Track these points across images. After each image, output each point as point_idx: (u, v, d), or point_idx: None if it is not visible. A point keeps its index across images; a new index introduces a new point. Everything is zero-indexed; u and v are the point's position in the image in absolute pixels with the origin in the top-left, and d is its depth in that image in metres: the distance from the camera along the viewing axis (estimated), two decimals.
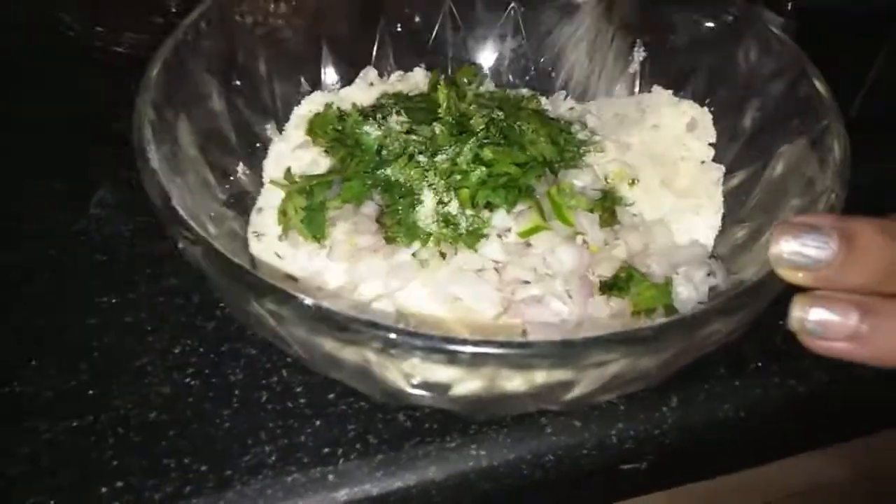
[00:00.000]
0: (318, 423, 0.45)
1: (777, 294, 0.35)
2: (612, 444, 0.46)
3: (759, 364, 0.49)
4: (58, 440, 0.44)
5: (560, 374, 0.31)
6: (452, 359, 0.29)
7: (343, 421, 0.45)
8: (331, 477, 0.43)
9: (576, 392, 0.33)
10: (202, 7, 0.47)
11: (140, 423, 0.44)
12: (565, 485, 0.56)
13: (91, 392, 0.46)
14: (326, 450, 0.43)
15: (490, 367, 0.29)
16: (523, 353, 0.29)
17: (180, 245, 0.34)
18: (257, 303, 0.31)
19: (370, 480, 0.43)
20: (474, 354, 0.29)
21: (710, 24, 0.51)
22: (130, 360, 0.47)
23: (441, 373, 0.32)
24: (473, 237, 0.41)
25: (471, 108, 0.47)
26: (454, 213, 0.41)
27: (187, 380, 0.46)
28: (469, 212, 0.41)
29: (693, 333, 0.31)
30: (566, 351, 0.29)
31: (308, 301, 0.30)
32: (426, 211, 0.41)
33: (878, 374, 0.50)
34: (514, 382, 0.32)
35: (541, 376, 0.31)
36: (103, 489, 0.42)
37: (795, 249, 0.30)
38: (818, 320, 0.30)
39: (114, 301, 0.51)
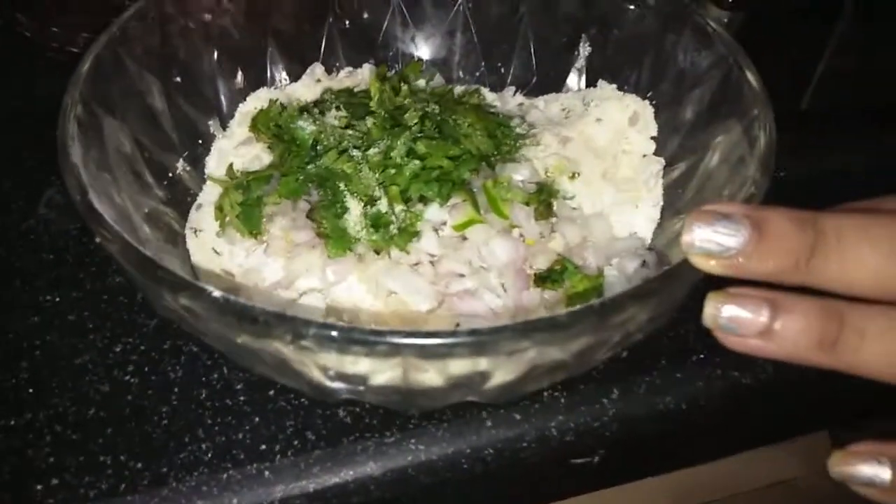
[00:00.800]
0: (256, 419, 0.45)
1: (695, 281, 0.36)
2: (552, 437, 0.46)
3: (703, 356, 0.49)
4: None
5: (473, 364, 0.31)
6: (350, 348, 0.29)
7: (282, 417, 0.45)
8: (266, 473, 0.43)
9: (494, 381, 0.33)
10: (139, 3, 0.46)
11: (78, 420, 0.44)
12: (518, 480, 0.56)
13: (30, 390, 0.46)
14: (263, 447, 0.43)
15: (393, 356, 0.29)
16: (430, 342, 0.29)
17: (97, 240, 0.34)
18: (170, 298, 0.31)
19: (306, 476, 0.43)
20: (372, 343, 0.29)
21: (650, 19, 0.51)
22: (71, 358, 0.47)
23: (355, 365, 0.32)
24: (405, 237, 0.41)
25: (406, 102, 0.47)
26: (384, 211, 0.41)
27: (127, 377, 0.46)
28: (399, 207, 0.41)
29: (605, 320, 0.31)
30: (472, 339, 0.29)
31: (216, 294, 0.30)
32: (354, 217, 0.41)
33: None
34: (428, 374, 0.32)
35: (456, 367, 0.31)
36: (38, 486, 0.42)
37: (707, 237, 0.30)
38: (730, 316, 0.30)
39: (58, 300, 0.50)
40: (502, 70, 0.59)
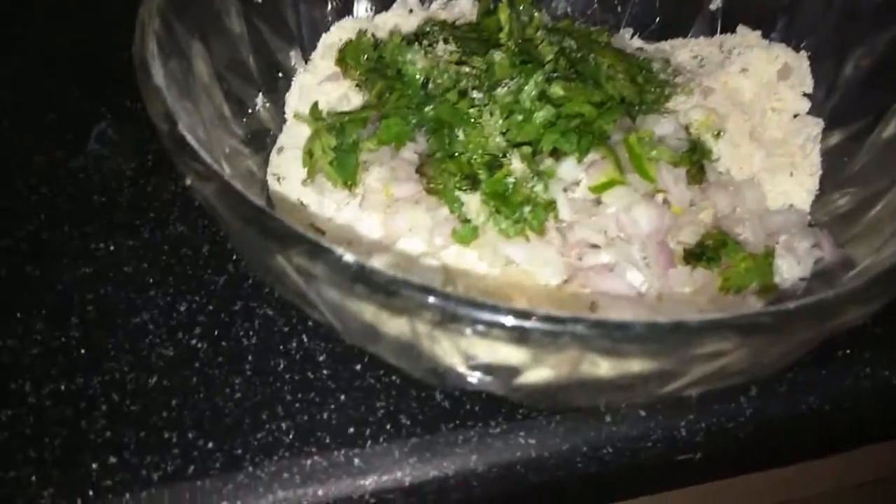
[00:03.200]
0: (342, 398, 0.39)
1: None
2: (679, 438, 0.40)
3: (849, 351, 0.43)
4: (43, 405, 0.38)
5: (661, 364, 0.25)
6: (527, 338, 0.23)
7: (371, 397, 0.39)
8: (356, 461, 0.37)
9: (676, 384, 0.26)
10: None
11: (137, 389, 0.39)
12: (613, 476, 0.50)
13: (82, 351, 0.41)
14: (352, 430, 0.38)
15: (575, 349, 0.23)
16: (621, 335, 0.22)
17: (188, 181, 0.27)
18: (282, 256, 0.25)
19: (402, 467, 0.37)
20: (557, 333, 0.22)
21: None
22: (128, 316, 0.42)
23: (509, 354, 0.25)
24: (538, 214, 0.34)
25: (537, 34, 0.39)
26: (512, 179, 0.34)
27: (193, 342, 0.41)
28: (531, 172, 0.34)
29: (827, 321, 0.24)
30: (677, 337, 0.22)
31: (348, 257, 0.23)
32: (473, 205, 0.35)
33: None
34: (602, 369, 0.25)
35: (636, 365, 0.25)
36: (93, 465, 0.37)
37: None
38: None
39: (112, 249, 0.45)
40: (619, 8, 0.51)
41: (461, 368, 0.27)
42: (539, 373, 0.26)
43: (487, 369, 0.27)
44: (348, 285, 0.24)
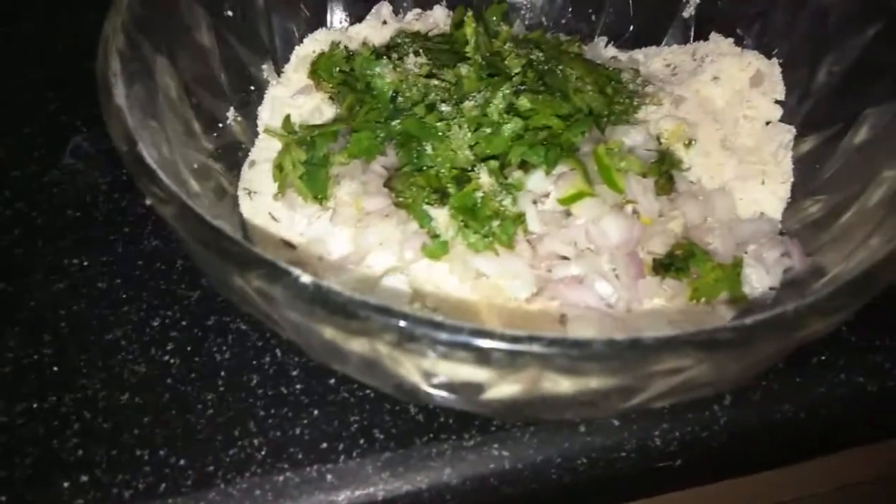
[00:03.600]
0: (315, 413, 0.39)
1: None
2: (654, 447, 0.40)
3: (823, 358, 0.43)
4: (15, 423, 0.38)
5: (621, 379, 0.25)
6: (486, 358, 0.22)
7: (345, 411, 0.39)
8: (329, 477, 0.37)
9: (636, 400, 0.26)
10: None
11: (109, 406, 0.39)
12: (590, 485, 0.50)
13: (55, 368, 0.40)
14: (324, 445, 0.38)
15: (534, 368, 0.23)
16: (578, 353, 0.22)
17: (148, 201, 0.27)
18: (241, 278, 0.25)
19: (375, 482, 0.37)
20: (514, 353, 0.22)
21: None
22: (101, 332, 0.42)
23: (470, 372, 0.25)
24: (507, 227, 0.34)
25: (504, 47, 0.39)
26: (480, 191, 0.34)
27: (166, 357, 0.41)
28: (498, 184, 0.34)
29: (790, 334, 0.24)
30: (634, 354, 0.22)
31: (305, 279, 0.23)
32: (442, 219, 0.35)
33: None
34: (562, 386, 0.25)
35: (596, 381, 0.25)
36: (65, 484, 0.36)
37: None
38: None
39: (85, 264, 0.45)
40: (593, 17, 0.51)
41: (424, 387, 0.27)
42: (501, 390, 0.26)
43: (450, 387, 0.27)
44: (306, 308, 0.24)
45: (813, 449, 0.58)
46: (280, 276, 0.24)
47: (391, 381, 0.28)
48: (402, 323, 0.23)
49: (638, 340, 0.22)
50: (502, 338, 0.22)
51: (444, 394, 0.27)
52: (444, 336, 0.22)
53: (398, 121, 0.36)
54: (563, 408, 0.29)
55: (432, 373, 0.26)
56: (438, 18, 0.49)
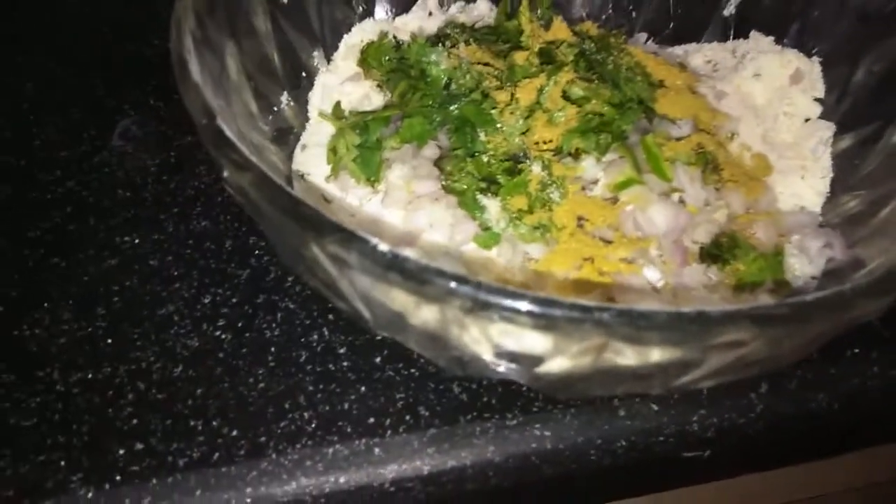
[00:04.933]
0: (362, 389, 0.40)
1: None
2: (692, 432, 0.41)
3: (857, 351, 0.43)
4: (71, 393, 0.39)
5: (681, 353, 0.26)
6: (554, 325, 0.23)
7: (391, 388, 0.40)
8: (377, 451, 0.38)
9: (691, 376, 0.27)
10: None
11: (163, 378, 0.40)
12: (624, 472, 0.51)
13: (108, 341, 0.41)
14: (372, 420, 0.39)
15: (599, 337, 0.24)
16: (646, 323, 0.23)
17: (225, 173, 0.28)
18: (316, 245, 0.26)
19: (421, 457, 0.38)
20: (584, 320, 0.23)
21: None
22: (154, 307, 0.43)
23: (532, 342, 0.26)
24: (555, 223, 0.35)
25: (557, 37, 0.40)
26: (536, 184, 0.35)
27: (218, 333, 0.42)
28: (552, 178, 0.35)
29: (842, 314, 0.25)
30: (698, 326, 0.23)
31: (382, 246, 0.24)
32: (494, 211, 0.36)
33: None
34: (624, 359, 0.26)
35: (656, 354, 0.26)
36: (120, 451, 0.37)
37: None
38: None
39: (137, 242, 0.46)
40: (633, 13, 0.52)
41: (487, 356, 0.28)
42: (561, 361, 0.27)
43: (512, 357, 0.28)
44: (381, 273, 0.25)
45: (846, 443, 0.59)
46: (357, 242, 0.25)
47: (452, 352, 0.29)
48: (476, 290, 0.24)
49: (703, 312, 0.23)
50: (572, 307, 0.23)
51: (505, 363, 0.28)
52: (517, 304, 0.23)
53: (455, 106, 0.38)
54: (617, 382, 0.30)
55: (498, 342, 0.27)
56: (482, 10, 0.50)
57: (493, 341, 0.27)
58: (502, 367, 0.29)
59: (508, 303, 0.23)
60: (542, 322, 0.23)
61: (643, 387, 0.31)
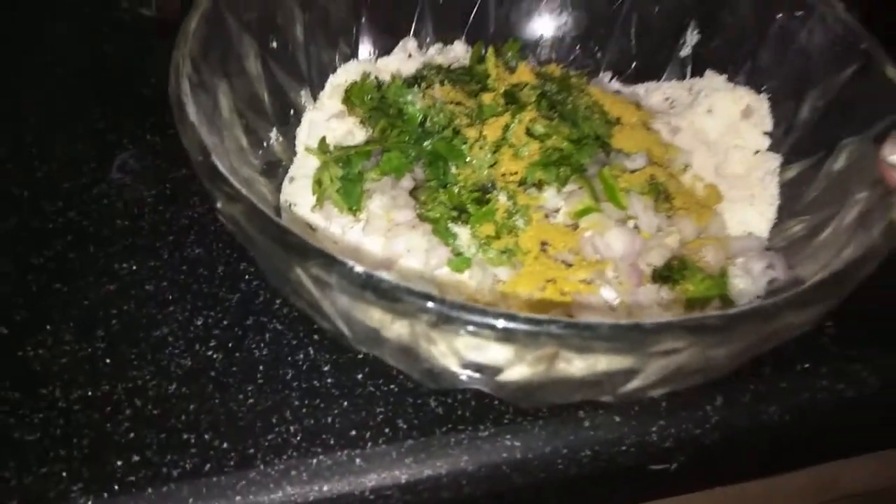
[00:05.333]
0: (345, 404, 0.43)
1: (852, 289, 0.33)
2: (651, 442, 0.44)
3: (807, 366, 0.47)
4: (72, 409, 0.42)
5: (624, 362, 0.29)
6: (514, 336, 0.27)
7: (371, 403, 0.43)
8: (358, 461, 0.41)
9: (636, 383, 0.30)
10: None
11: (158, 395, 0.42)
12: (594, 483, 0.54)
13: (107, 361, 0.44)
14: (353, 432, 0.41)
15: (552, 347, 0.27)
16: (590, 334, 0.27)
17: (218, 204, 0.32)
18: (301, 268, 0.29)
19: (399, 466, 0.41)
20: (538, 333, 0.27)
21: (768, 6, 0.48)
22: (150, 329, 0.45)
23: (494, 353, 0.29)
24: (520, 248, 0.38)
25: (521, 80, 0.44)
26: (501, 210, 0.39)
27: (209, 353, 0.44)
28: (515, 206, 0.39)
29: (768, 324, 0.28)
30: (636, 335, 0.27)
31: (358, 268, 0.28)
32: (465, 238, 0.39)
33: None
34: (574, 367, 0.29)
35: (603, 363, 0.29)
36: (118, 462, 0.40)
37: None
38: None
39: (134, 268, 0.49)
40: (598, 54, 0.56)
41: (454, 367, 0.31)
42: (519, 370, 0.30)
43: (476, 367, 0.31)
44: (358, 292, 0.28)
45: (801, 458, 0.62)
46: (337, 265, 0.28)
47: (423, 365, 0.32)
48: (441, 306, 0.27)
49: (639, 324, 0.26)
50: (527, 320, 0.27)
51: (470, 373, 0.31)
52: (476, 318, 0.27)
53: (429, 142, 0.41)
54: (571, 390, 0.33)
55: (462, 353, 0.30)
56: (458, 53, 0.54)
57: (459, 353, 0.30)
58: (468, 377, 0.32)
59: (468, 316, 0.27)
60: (498, 333, 0.27)
61: (594, 393, 0.34)
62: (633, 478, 0.56)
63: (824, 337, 0.48)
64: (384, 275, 0.28)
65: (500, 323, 0.26)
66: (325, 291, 0.30)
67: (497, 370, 0.31)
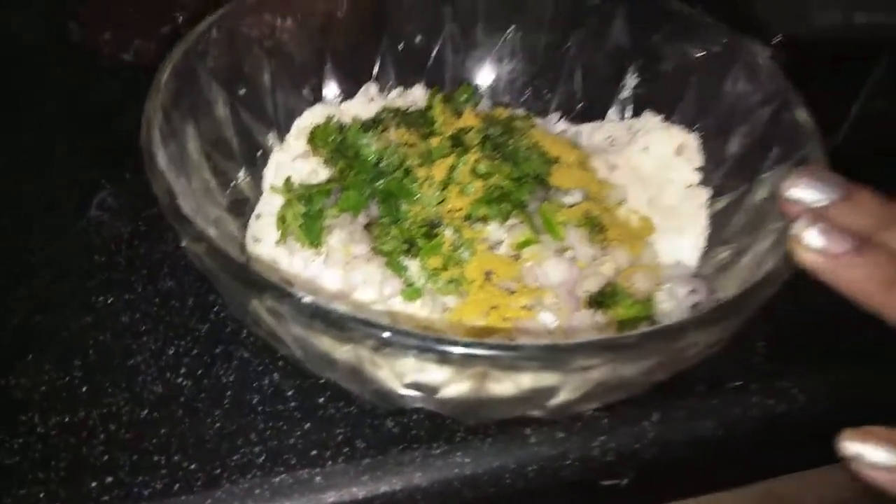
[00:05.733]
0: (307, 426, 0.46)
1: (754, 310, 0.37)
2: (593, 457, 0.47)
3: (739, 383, 0.50)
4: (49, 434, 0.44)
5: (546, 379, 0.32)
6: (443, 358, 0.30)
7: (332, 425, 0.46)
8: (318, 479, 0.43)
9: (560, 397, 0.34)
10: (211, 18, 0.48)
11: (131, 420, 0.45)
12: (546, 499, 0.57)
13: (84, 388, 0.47)
14: (314, 452, 0.44)
15: (479, 367, 0.31)
16: (511, 354, 0.30)
17: (183, 243, 0.35)
18: (257, 300, 0.32)
19: (356, 483, 0.44)
20: (464, 355, 0.30)
21: (700, 53, 0.53)
22: (124, 358, 0.48)
23: (432, 374, 0.33)
24: (467, 277, 0.42)
25: (467, 124, 0.48)
26: (447, 244, 0.42)
27: (179, 380, 0.47)
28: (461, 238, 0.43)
29: (673, 342, 0.32)
30: (552, 354, 0.30)
31: (307, 298, 0.31)
32: (415, 269, 0.43)
33: (855, 398, 0.52)
34: (503, 386, 0.33)
35: (528, 380, 0.32)
36: (93, 483, 0.42)
37: (805, 186, 0.36)
38: (821, 228, 0.34)
39: (110, 301, 0.51)
40: (548, 96, 0.60)
41: (398, 388, 0.34)
42: (456, 388, 0.33)
43: (417, 387, 0.34)
44: (307, 321, 0.31)
45: (746, 474, 0.65)
46: (288, 296, 0.31)
47: (371, 386, 0.36)
48: (380, 331, 0.30)
49: (556, 344, 0.30)
50: (456, 343, 0.30)
51: (412, 392, 0.35)
52: (411, 341, 0.30)
53: (381, 182, 0.45)
54: (506, 405, 0.36)
55: (403, 375, 0.33)
56: (417, 96, 0.58)
57: (401, 375, 0.33)
58: (411, 396, 0.35)
59: (404, 341, 0.30)
60: (431, 356, 0.30)
61: (527, 408, 0.37)
62: (587, 494, 0.59)
63: (756, 356, 0.52)
64: (331, 305, 0.31)
65: (432, 345, 0.30)
66: (279, 321, 0.33)
67: (435, 389, 0.34)
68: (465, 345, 0.30)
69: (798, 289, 0.39)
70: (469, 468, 0.45)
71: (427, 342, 0.30)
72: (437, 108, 0.49)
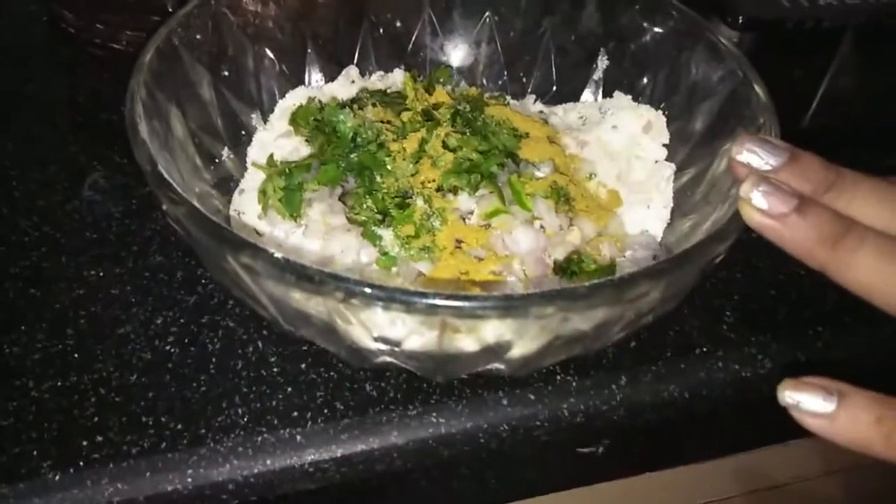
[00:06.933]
0: (289, 389, 0.48)
1: (705, 267, 0.39)
2: (563, 418, 0.49)
3: (705, 349, 0.52)
4: (43, 397, 0.46)
5: (501, 330, 0.34)
6: (407, 307, 0.32)
7: (312, 388, 0.48)
8: (298, 438, 0.46)
9: (519, 349, 0.36)
10: (195, 2, 0.50)
11: (121, 384, 0.47)
12: (527, 462, 0.59)
13: (76, 355, 0.49)
14: (295, 413, 0.46)
15: (439, 315, 0.33)
16: (468, 304, 0.32)
17: (164, 206, 0.37)
18: (233, 258, 0.35)
19: (335, 442, 0.46)
20: (427, 304, 0.32)
21: (665, 35, 0.55)
22: (114, 328, 0.50)
23: (398, 328, 0.35)
24: (438, 246, 0.44)
25: (438, 100, 0.50)
26: (419, 214, 0.44)
27: (167, 347, 0.49)
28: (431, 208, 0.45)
29: (621, 292, 0.34)
30: (506, 303, 0.32)
31: (277, 254, 0.33)
32: (389, 239, 0.45)
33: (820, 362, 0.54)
34: (464, 340, 0.35)
35: (488, 333, 0.35)
36: (84, 442, 0.44)
37: (753, 150, 0.38)
38: (765, 190, 0.35)
39: (101, 275, 0.54)
40: (524, 79, 0.63)
41: (367, 342, 0.37)
42: (418, 339, 0.36)
43: (385, 340, 0.36)
44: (279, 275, 0.33)
45: (723, 445, 0.67)
46: (261, 253, 0.34)
47: (345, 342, 0.38)
48: (345, 282, 0.32)
49: (509, 295, 0.32)
50: (417, 293, 0.32)
51: (381, 346, 0.37)
52: (375, 292, 0.32)
53: (356, 154, 0.47)
54: (469, 359, 0.38)
55: (370, 326, 0.35)
56: (397, 79, 0.60)
57: (369, 328, 0.35)
58: (379, 349, 0.37)
59: (369, 291, 0.32)
60: (395, 305, 0.32)
61: (488, 360, 0.39)
62: (565, 461, 0.62)
63: (723, 325, 0.54)
64: (299, 259, 0.34)
65: (396, 295, 0.32)
66: (255, 278, 0.35)
67: (400, 342, 0.36)
68: (425, 295, 0.32)
69: (764, 258, 0.40)
70: (444, 428, 0.47)
71: (390, 291, 0.32)
72: (408, 84, 0.51)
